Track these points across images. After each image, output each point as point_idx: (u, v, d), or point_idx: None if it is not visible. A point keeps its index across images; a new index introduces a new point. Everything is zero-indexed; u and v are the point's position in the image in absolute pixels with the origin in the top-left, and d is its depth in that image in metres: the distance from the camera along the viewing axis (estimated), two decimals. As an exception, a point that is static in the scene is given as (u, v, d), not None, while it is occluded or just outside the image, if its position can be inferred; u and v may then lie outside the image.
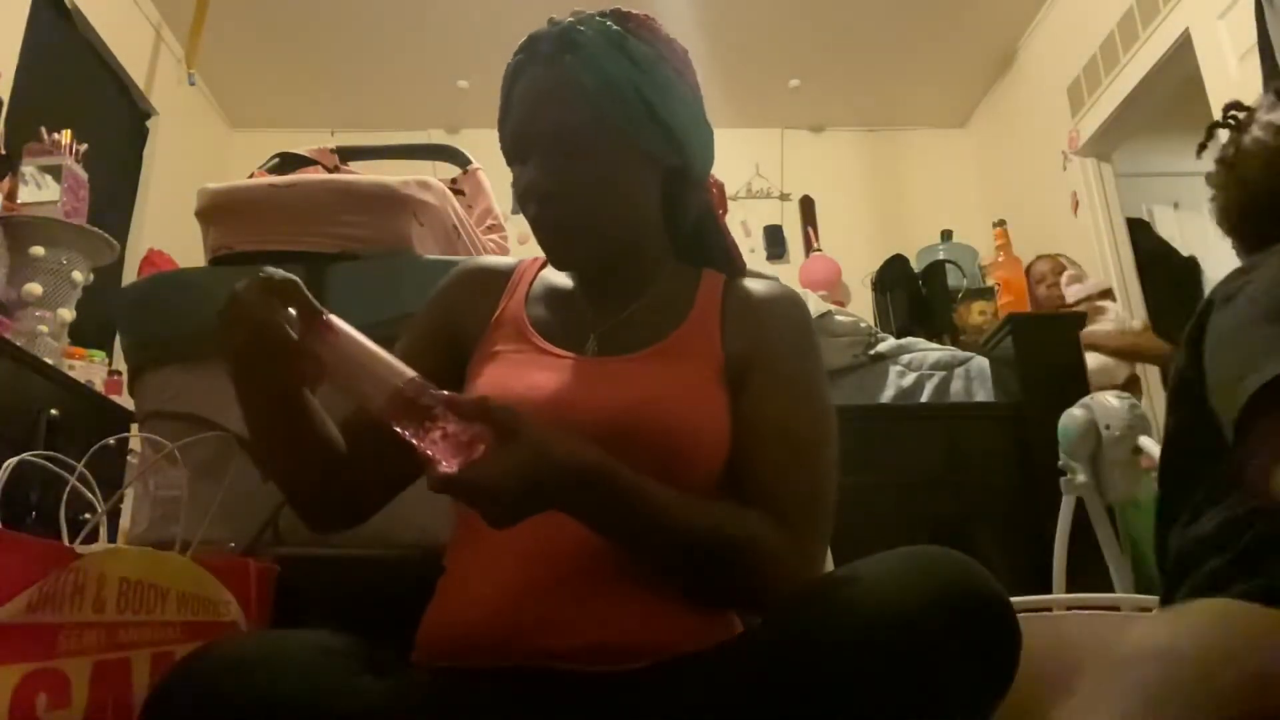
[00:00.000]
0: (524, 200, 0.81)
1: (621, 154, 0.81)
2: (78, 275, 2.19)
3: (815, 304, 2.46)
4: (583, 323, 0.85)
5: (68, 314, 2.17)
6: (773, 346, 0.81)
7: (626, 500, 0.66)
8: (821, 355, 0.85)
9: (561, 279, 0.91)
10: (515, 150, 0.83)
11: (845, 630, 0.55)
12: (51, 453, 0.90)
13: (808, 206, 4.64)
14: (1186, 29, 2.98)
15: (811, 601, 0.59)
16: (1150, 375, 3.16)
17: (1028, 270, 3.17)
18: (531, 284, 0.92)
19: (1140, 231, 3.85)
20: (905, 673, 0.53)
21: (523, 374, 0.80)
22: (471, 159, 1.73)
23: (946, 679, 0.53)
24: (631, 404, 0.75)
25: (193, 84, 3.98)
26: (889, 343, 2.58)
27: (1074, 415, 1.83)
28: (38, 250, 2.09)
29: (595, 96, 0.79)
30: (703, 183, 0.89)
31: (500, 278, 0.92)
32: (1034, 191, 4.11)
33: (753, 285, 0.88)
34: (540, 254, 0.89)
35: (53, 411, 1.88)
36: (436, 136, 4.22)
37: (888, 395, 2.47)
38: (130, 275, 3.19)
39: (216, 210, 1.39)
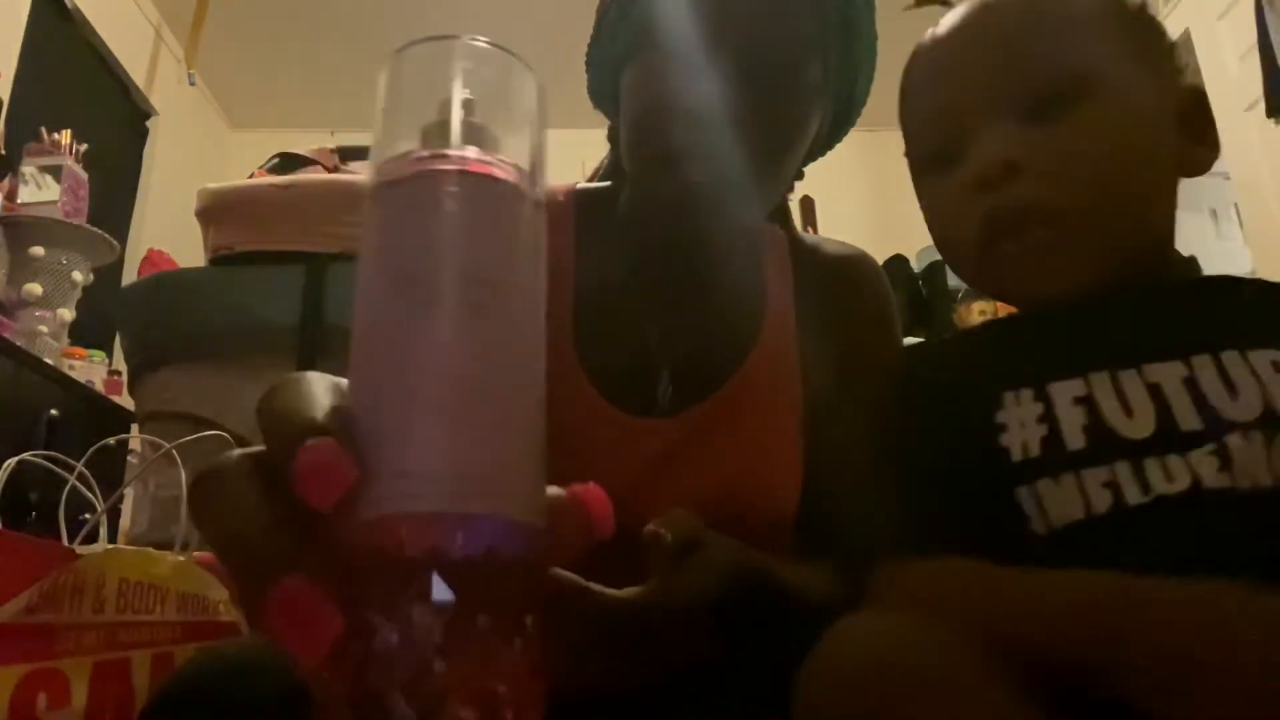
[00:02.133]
0: (698, 106, 0.60)
1: (819, 93, 0.65)
2: (78, 275, 2.19)
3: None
4: (647, 347, 0.69)
5: (68, 314, 2.18)
6: (852, 347, 0.71)
7: (775, 600, 0.56)
8: (900, 336, 0.76)
9: (610, 248, 0.70)
10: (684, 42, 0.62)
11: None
12: (51, 453, 0.90)
13: (808, 206, 4.64)
14: (1186, 29, 2.97)
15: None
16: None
17: None
18: (577, 250, 0.70)
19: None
20: None
21: (577, 455, 0.61)
22: (471, 159, 1.74)
23: None
24: (710, 493, 0.64)
25: (193, 84, 3.98)
26: (889, 343, 2.58)
27: (1074, 415, 1.83)
28: (38, 250, 2.09)
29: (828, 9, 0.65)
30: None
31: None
32: (1034, 191, 4.11)
33: (824, 253, 0.77)
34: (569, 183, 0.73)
35: (53, 411, 1.88)
36: (436, 136, 4.22)
37: (888, 395, 2.46)
38: (130, 275, 3.18)
39: (217, 210, 1.39)
